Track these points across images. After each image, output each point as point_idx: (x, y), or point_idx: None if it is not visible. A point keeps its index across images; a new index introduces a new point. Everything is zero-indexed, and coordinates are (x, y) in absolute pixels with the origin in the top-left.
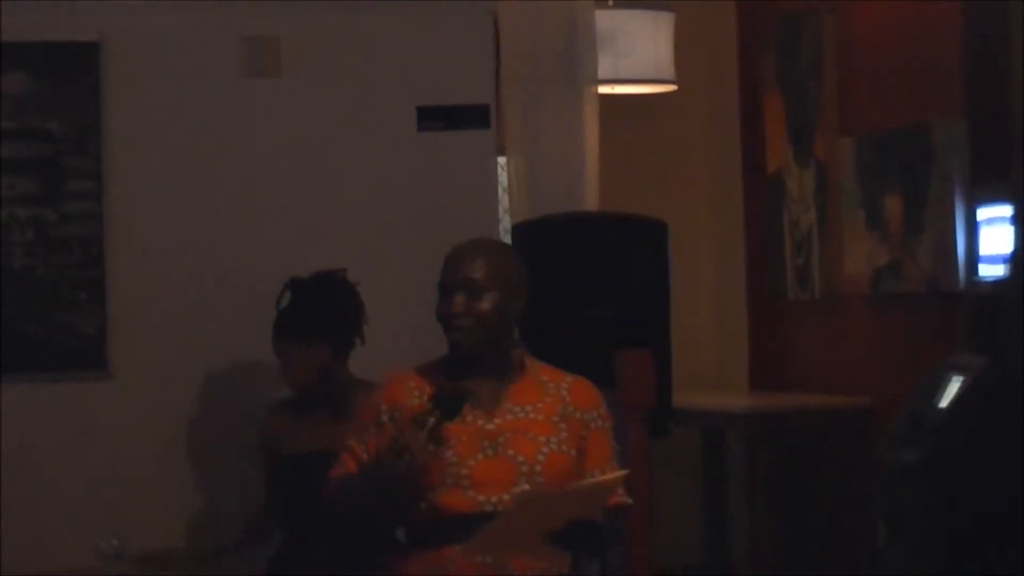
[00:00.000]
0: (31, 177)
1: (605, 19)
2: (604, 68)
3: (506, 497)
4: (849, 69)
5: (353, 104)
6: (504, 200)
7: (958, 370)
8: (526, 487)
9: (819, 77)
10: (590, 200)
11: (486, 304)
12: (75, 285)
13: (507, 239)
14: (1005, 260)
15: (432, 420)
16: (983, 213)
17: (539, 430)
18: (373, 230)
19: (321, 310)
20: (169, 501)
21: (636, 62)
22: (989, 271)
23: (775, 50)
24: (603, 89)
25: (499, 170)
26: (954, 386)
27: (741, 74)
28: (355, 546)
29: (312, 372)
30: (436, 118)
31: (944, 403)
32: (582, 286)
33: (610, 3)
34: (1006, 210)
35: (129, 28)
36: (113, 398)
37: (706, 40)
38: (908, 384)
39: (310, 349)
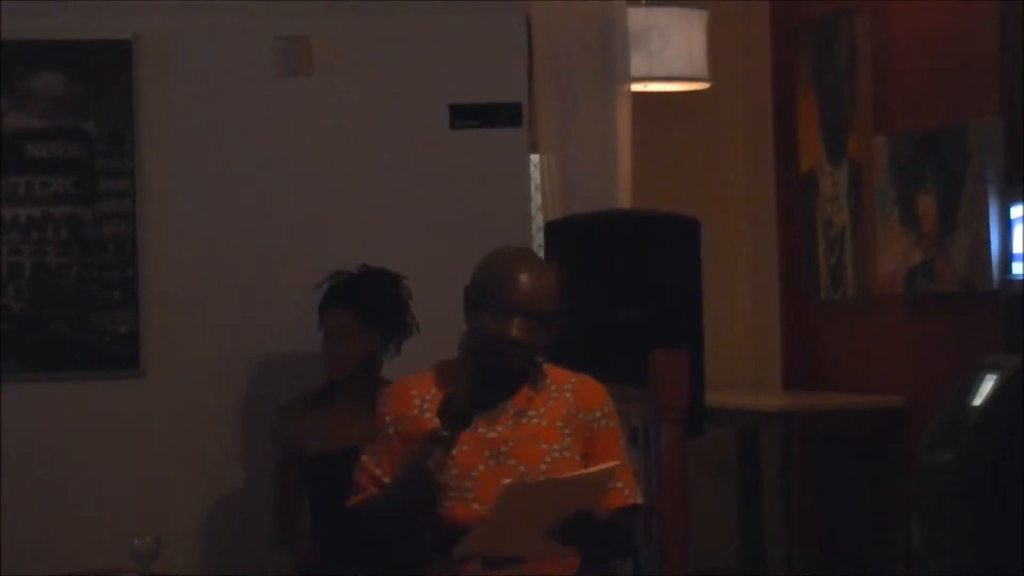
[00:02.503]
0: (66, 176)
1: (638, 17)
2: (637, 66)
3: None
4: (884, 68)
5: (386, 102)
6: (537, 198)
7: (992, 369)
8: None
9: (853, 76)
10: (623, 198)
11: (545, 334)
12: (109, 284)
13: (539, 237)
14: None
15: (445, 434)
16: (1017, 212)
17: (543, 436)
18: (406, 228)
19: (377, 297)
20: (201, 498)
21: (669, 60)
22: (1022, 270)
23: (809, 49)
24: (636, 87)
25: (532, 168)
26: (988, 384)
27: (774, 72)
28: (389, 557)
29: (358, 357)
30: (469, 116)
31: (978, 401)
32: (615, 284)
33: (643, 1)
34: None
35: (162, 27)
36: (146, 397)
37: (739, 38)
38: (942, 383)
39: (363, 332)
